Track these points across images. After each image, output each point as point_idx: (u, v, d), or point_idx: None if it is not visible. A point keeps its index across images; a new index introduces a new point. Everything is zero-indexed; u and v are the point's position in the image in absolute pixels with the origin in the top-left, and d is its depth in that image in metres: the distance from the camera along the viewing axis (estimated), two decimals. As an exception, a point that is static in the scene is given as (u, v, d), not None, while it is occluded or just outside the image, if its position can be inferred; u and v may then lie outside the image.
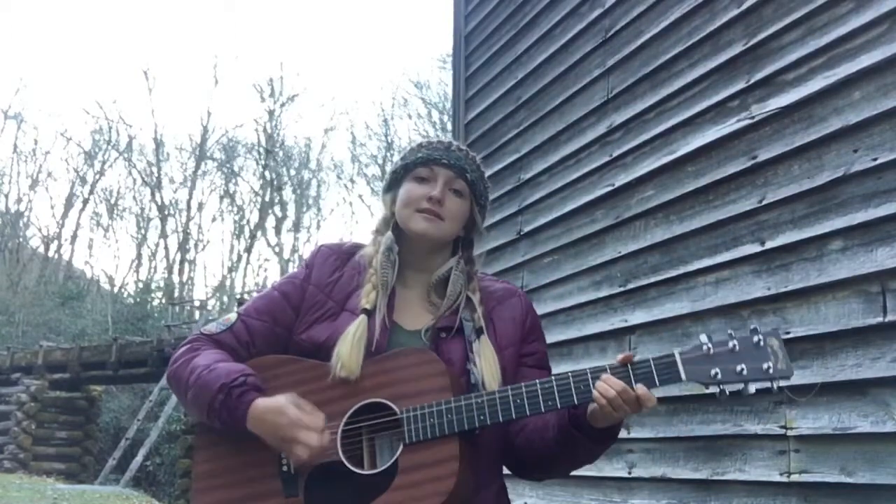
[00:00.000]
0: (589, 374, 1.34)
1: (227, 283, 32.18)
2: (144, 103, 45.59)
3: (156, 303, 27.33)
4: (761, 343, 1.32)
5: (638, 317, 3.37)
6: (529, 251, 4.26)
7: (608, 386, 1.32)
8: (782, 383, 1.33)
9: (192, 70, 52.45)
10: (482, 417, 1.35)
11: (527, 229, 4.32)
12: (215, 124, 45.81)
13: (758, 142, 2.88)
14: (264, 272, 33.18)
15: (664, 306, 3.24)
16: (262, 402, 1.39)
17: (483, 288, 1.57)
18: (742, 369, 1.31)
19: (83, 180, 33.22)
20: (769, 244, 2.76)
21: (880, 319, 2.33)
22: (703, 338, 1.35)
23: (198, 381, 1.43)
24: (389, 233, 1.54)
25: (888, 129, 2.41)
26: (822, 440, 2.48)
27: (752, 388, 1.32)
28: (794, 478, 2.54)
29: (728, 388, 1.33)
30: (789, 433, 2.58)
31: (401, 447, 1.35)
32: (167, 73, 55.30)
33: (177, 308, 26.33)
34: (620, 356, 1.35)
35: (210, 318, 18.65)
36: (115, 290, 31.31)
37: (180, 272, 32.09)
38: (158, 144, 33.28)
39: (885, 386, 2.31)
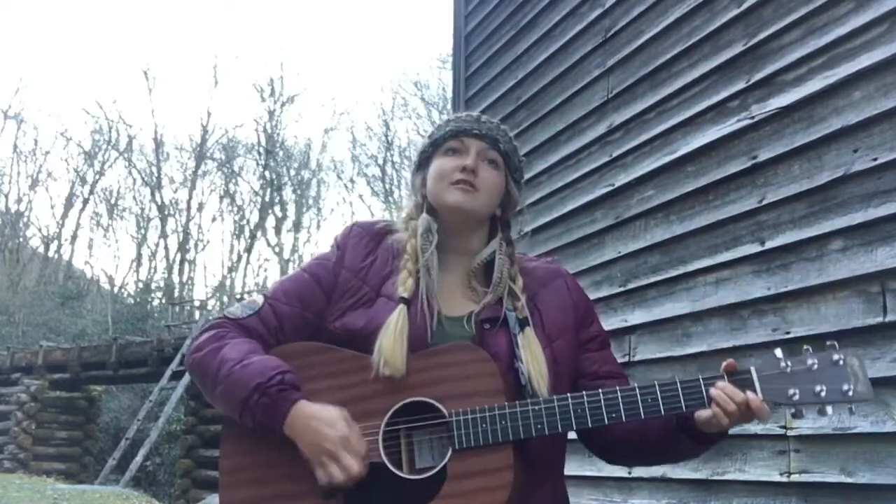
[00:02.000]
0: (657, 388, 1.27)
1: (227, 283, 32.19)
2: (144, 103, 45.66)
3: (156, 303, 27.34)
4: (841, 362, 1.24)
5: (638, 317, 3.37)
6: (529, 251, 4.25)
7: (726, 396, 1.24)
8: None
9: (192, 70, 52.48)
10: (539, 426, 1.27)
11: (526, 229, 4.31)
12: (215, 124, 45.76)
13: (758, 142, 2.88)
14: (264, 272, 33.20)
15: (664, 306, 3.24)
16: (307, 407, 1.30)
17: (524, 270, 1.48)
18: (821, 390, 1.23)
19: (83, 180, 33.23)
20: (769, 244, 2.76)
21: (880, 319, 2.33)
22: (779, 353, 1.27)
23: (230, 377, 1.32)
24: (425, 214, 1.45)
25: (888, 129, 2.40)
26: (822, 440, 2.48)
27: (829, 409, 1.24)
28: (794, 478, 2.54)
29: (804, 409, 1.25)
30: (789, 433, 2.58)
31: (449, 452, 1.27)
32: (167, 73, 55.33)
33: (177, 308, 26.33)
34: (725, 364, 1.28)
35: (210, 317, 18.64)
36: (115, 290, 31.31)
37: (180, 272, 32.10)
38: (158, 144, 33.29)
39: (885, 386, 2.31)
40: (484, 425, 1.26)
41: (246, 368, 1.32)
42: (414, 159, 1.54)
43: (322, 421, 1.29)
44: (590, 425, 1.28)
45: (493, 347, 1.36)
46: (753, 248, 2.82)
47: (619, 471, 3.28)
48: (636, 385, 1.29)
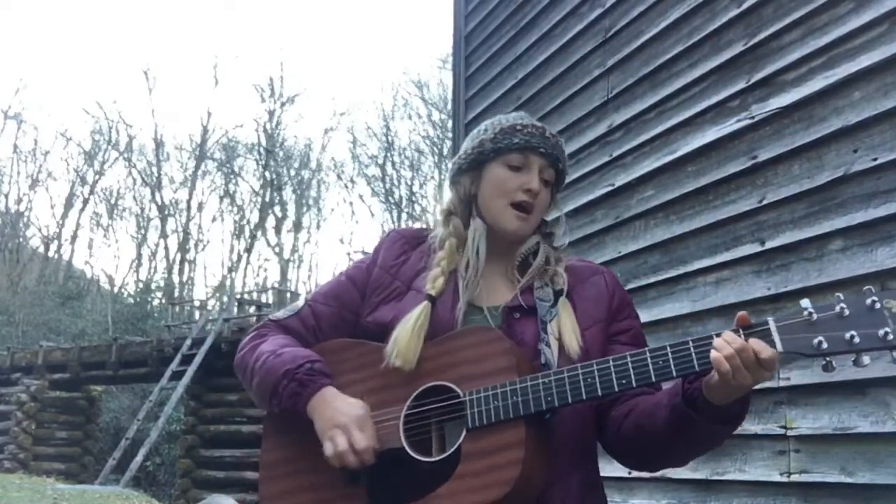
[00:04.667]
0: (668, 349, 1.20)
1: (227, 283, 32.17)
2: (144, 103, 45.52)
3: (156, 303, 27.32)
4: (876, 305, 1.10)
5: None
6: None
7: (724, 341, 1.14)
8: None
9: (192, 70, 52.52)
10: (549, 399, 1.24)
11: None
12: (215, 124, 45.82)
13: (758, 142, 2.88)
14: (264, 272, 33.23)
15: (664, 306, 3.24)
16: (334, 392, 1.35)
17: (565, 268, 1.49)
18: (853, 336, 1.10)
19: (83, 180, 33.25)
20: (769, 244, 2.76)
21: (880, 319, 2.33)
22: (805, 302, 1.15)
23: (263, 367, 1.39)
24: (480, 222, 1.46)
25: (888, 129, 2.41)
26: (822, 440, 2.48)
27: (866, 359, 1.11)
28: (794, 478, 2.54)
29: (836, 360, 1.12)
30: (789, 433, 2.58)
31: (464, 432, 1.27)
32: (167, 73, 55.40)
33: (177, 308, 26.33)
34: (737, 317, 1.18)
35: (210, 317, 18.65)
36: (115, 290, 31.32)
37: (180, 272, 32.12)
38: (158, 144, 33.30)
39: (885, 386, 2.31)
40: (496, 402, 1.25)
41: (278, 357, 1.39)
42: (467, 154, 1.50)
43: (344, 401, 1.34)
44: (600, 393, 1.24)
45: (520, 335, 1.37)
46: (753, 248, 2.83)
47: (619, 470, 3.27)
48: (647, 349, 1.24)
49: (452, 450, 1.27)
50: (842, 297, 1.15)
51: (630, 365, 1.22)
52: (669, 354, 1.20)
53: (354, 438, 1.29)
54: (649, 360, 1.21)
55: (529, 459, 1.23)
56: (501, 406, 1.25)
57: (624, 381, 1.22)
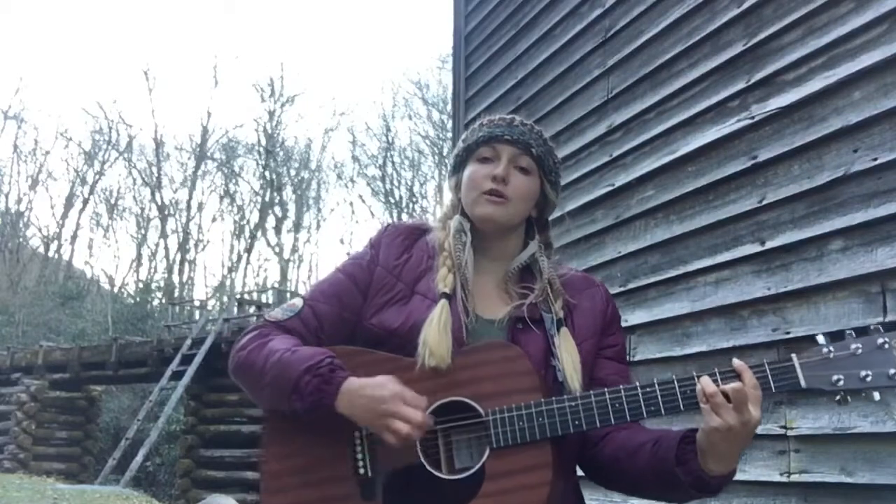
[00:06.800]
0: (696, 378, 1.23)
1: (227, 283, 32.19)
2: (144, 103, 45.77)
3: (156, 303, 27.35)
4: (886, 346, 1.21)
5: (638, 317, 3.37)
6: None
7: (710, 381, 1.20)
8: None
9: (192, 70, 52.55)
10: (577, 423, 1.26)
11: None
12: (215, 124, 45.86)
13: (758, 142, 2.88)
14: (264, 272, 33.25)
15: (664, 306, 3.24)
16: (356, 381, 1.30)
17: (561, 276, 1.49)
18: (867, 375, 1.21)
19: (83, 180, 33.27)
20: (769, 244, 2.76)
21: (880, 319, 2.33)
22: (822, 339, 1.24)
23: (279, 364, 1.33)
24: (458, 216, 1.46)
25: (888, 129, 2.41)
26: (822, 440, 2.48)
27: (877, 395, 1.22)
28: (794, 478, 2.54)
29: (850, 396, 1.23)
30: (789, 433, 2.58)
31: (487, 451, 1.26)
32: (167, 73, 55.49)
33: (177, 308, 26.33)
34: (736, 361, 1.24)
35: (210, 317, 18.66)
36: (115, 290, 31.34)
37: (180, 272, 32.12)
38: (158, 144, 33.32)
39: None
40: (521, 423, 1.26)
41: (295, 354, 1.34)
42: (450, 161, 1.54)
43: (373, 386, 1.29)
44: (628, 419, 1.26)
45: (525, 347, 1.36)
46: (753, 248, 2.82)
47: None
48: (674, 377, 1.25)
49: (477, 467, 1.26)
50: (854, 334, 1.23)
51: (658, 393, 1.24)
52: (697, 382, 1.23)
53: (408, 415, 1.25)
54: (677, 388, 1.24)
55: (555, 480, 1.24)
56: (527, 427, 1.25)
57: (653, 408, 1.24)
